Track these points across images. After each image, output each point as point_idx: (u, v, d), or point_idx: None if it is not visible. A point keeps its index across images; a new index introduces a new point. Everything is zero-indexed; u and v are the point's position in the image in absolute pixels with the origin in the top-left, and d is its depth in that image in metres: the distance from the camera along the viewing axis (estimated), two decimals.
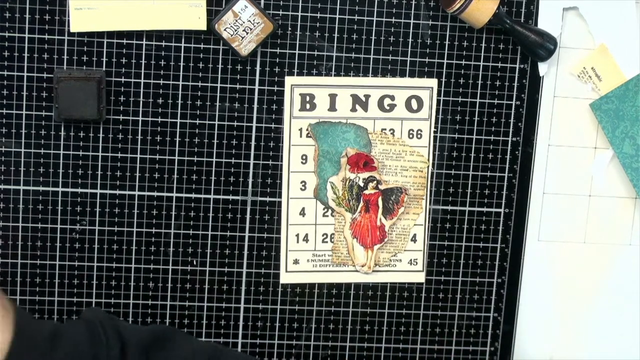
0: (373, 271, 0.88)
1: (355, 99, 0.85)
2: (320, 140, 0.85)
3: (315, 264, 0.88)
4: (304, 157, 0.86)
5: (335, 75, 0.85)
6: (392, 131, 0.86)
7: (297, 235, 0.87)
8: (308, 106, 0.85)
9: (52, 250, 0.86)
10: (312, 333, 0.89)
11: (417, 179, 0.87)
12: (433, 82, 0.86)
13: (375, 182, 0.86)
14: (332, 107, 0.85)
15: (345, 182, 0.86)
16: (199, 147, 0.85)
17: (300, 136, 0.86)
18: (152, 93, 0.84)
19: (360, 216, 0.87)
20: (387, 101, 0.86)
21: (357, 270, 0.88)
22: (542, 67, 0.86)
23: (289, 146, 0.86)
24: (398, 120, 0.86)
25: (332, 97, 0.85)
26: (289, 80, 0.85)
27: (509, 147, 0.88)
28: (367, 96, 0.85)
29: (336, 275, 0.88)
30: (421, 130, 0.86)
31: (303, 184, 0.86)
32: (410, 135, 0.86)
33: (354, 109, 0.85)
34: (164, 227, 0.86)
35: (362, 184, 0.86)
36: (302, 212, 0.87)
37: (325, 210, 0.87)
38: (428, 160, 0.87)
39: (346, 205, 0.86)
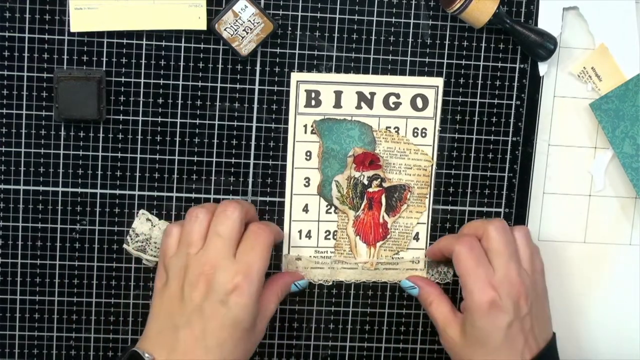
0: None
1: (361, 96, 0.85)
2: (324, 137, 0.85)
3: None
4: (308, 154, 0.86)
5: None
6: (396, 129, 0.86)
7: (300, 232, 0.87)
8: (313, 102, 0.85)
9: (52, 250, 0.85)
10: (312, 333, 0.89)
11: (421, 177, 0.87)
12: (439, 81, 0.86)
13: (379, 180, 0.86)
14: (338, 104, 0.85)
15: (350, 181, 0.86)
16: (199, 147, 0.85)
17: (305, 132, 0.86)
18: (152, 93, 0.84)
19: (364, 214, 0.87)
20: (392, 99, 0.86)
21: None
22: (542, 67, 0.87)
23: (294, 142, 0.86)
24: (403, 119, 0.86)
25: (338, 94, 0.85)
26: (294, 77, 0.84)
27: (509, 147, 0.88)
28: (372, 94, 0.85)
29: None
30: (426, 129, 0.86)
31: (307, 180, 0.86)
32: (415, 134, 0.86)
33: (359, 106, 0.85)
34: None
35: (366, 182, 0.86)
36: (306, 209, 0.87)
37: (329, 207, 0.87)
38: (432, 159, 0.87)
39: (350, 203, 0.86)
